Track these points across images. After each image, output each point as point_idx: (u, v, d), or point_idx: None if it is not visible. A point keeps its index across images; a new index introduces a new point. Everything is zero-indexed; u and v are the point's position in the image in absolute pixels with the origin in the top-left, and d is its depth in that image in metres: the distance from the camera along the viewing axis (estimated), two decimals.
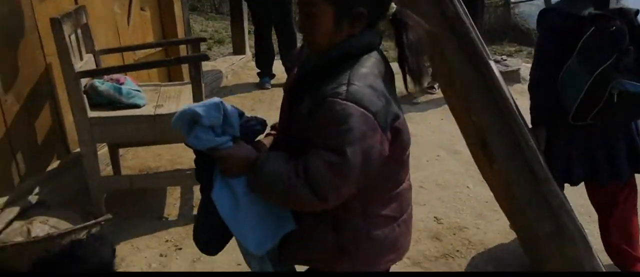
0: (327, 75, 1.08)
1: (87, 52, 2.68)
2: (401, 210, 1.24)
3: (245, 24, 5.61)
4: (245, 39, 5.64)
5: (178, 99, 2.70)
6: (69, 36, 2.34)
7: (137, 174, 3.05)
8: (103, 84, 2.50)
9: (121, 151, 3.17)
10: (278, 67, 4.89)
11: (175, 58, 3.10)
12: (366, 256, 1.20)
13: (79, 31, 2.59)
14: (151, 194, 2.94)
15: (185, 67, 4.05)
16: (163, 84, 2.97)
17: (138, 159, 3.40)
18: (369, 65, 1.09)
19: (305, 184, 1.03)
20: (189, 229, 2.68)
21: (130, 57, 3.47)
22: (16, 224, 2.40)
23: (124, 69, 2.71)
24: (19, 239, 2.29)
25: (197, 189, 2.95)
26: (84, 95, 2.39)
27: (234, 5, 5.46)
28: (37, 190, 2.64)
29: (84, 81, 2.44)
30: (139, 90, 2.58)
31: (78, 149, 2.99)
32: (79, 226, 2.20)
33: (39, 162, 2.73)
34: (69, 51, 2.26)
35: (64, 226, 2.46)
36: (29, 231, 2.32)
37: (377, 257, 1.23)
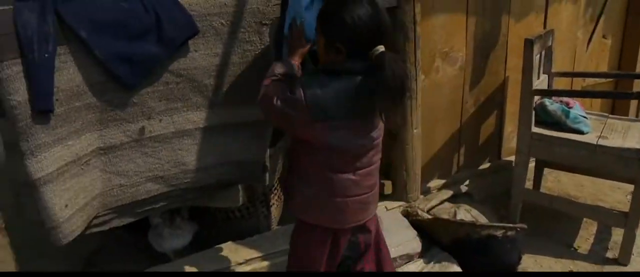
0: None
1: (543, 72, 2.86)
2: (332, 190, 1.57)
3: None
4: None
5: (624, 134, 2.55)
6: (535, 56, 2.55)
7: (557, 195, 3.07)
8: (552, 104, 2.62)
9: (545, 170, 3.24)
10: None
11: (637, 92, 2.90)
12: (299, 204, 1.67)
13: (543, 52, 2.77)
14: (565, 220, 2.91)
15: (634, 103, 3.74)
16: (610, 116, 2.85)
17: (559, 184, 3.40)
18: (337, 80, 1.44)
19: (266, 89, 1.53)
20: (597, 267, 2.55)
21: (578, 83, 3.47)
22: (446, 204, 2.87)
23: (578, 94, 2.76)
24: (446, 217, 2.72)
25: (615, 231, 2.75)
26: (533, 111, 2.57)
27: None
28: (467, 182, 3.05)
29: (535, 99, 2.63)
30: (585, 117, 2.58)
31: (508, 158, 3.26)
32: (498, 224, 2.43)
33: (474, 159, 3.13)
34: (533, 70, 2.47)
35: (482, 219, 2.77)
36: (455, 214, 2.72)
37: (303, 208, 1.66)
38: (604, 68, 3.73)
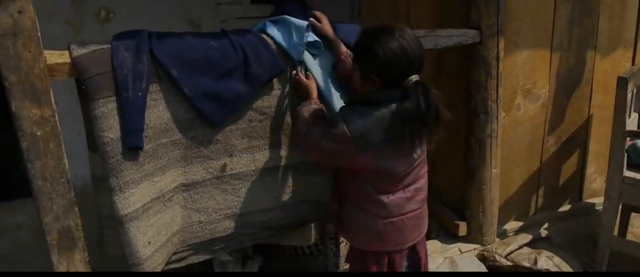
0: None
1: (634, 111, 2.66)
2: (387, 212, 1.60)
3: None
4: None
5: None
6: (629, 95, 2.39)
7: None
8: None
9: (632, 214, 3.01)
10: None
11: None
12: (355, 233, 1.69)
13: (634, 90, 2.59)
14: None
15: None
16: None
17: None
18: (376, 108, 1.48)
19: (306, 134, 1.57)
20: None
21: None
22: (525, 249, 2.69)
23: None
24: (526, 264, 2.56)
25: None
26: (625, 154, 2.39)
27: None
28: (546, 225, 2.86)
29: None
30: None
31: (590, 200, 3.05)
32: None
33: (553, 201, 2.94)
34: (626, 109, 2.30)
35: (565, 268, 2.58)
36: (536, 260, 2.55)
37: (362, 237, 1.68)
38: None
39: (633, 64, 2.84)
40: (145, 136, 1.54)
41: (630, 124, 2.55)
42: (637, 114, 2.70)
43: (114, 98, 1.47)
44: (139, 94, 1.49)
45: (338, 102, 1.78)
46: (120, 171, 1.50)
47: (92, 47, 1.48)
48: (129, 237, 1.55)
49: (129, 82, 1.47)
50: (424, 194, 1.70)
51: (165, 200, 1.65)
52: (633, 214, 3.02)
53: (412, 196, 1.64)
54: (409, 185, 1.63)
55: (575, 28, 2.59)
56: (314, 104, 1.67)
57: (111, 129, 1.48)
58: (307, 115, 1.61)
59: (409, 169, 1.59)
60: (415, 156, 1.59)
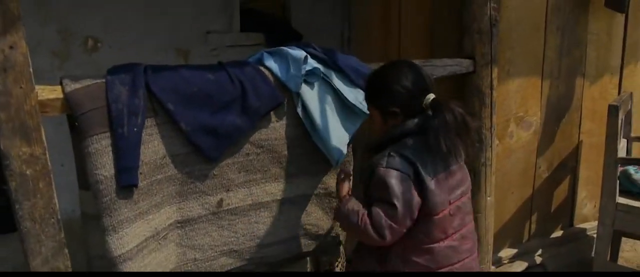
0: (379, 152, 1.52)
1: (622, 137, 2.70)
2: (436, 262, 1.50)
3: None
4: None
5: None
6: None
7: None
8: (637, 173, 2.46)
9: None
10: None
11: None
12: None
13: (623, 117, 2.63)
14: None
15: None
16: None
17: (636, 253, 3.16)
18: (405, 142, 1.48)
19: (370, 225, 1.45)
20: None
21: None
22: None
23: None
24: None
25: None
26: (617, 181, 2.41)
27: None
28: (540, 252, 2.86)
29: None
30: None
31: (581, 225, 3.06)
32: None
33: (546, 227, 2.94)
34: (617, 136, 2.33)
35: None
36: None
37: None
38: None
39: (619, 90, 2.90)
40: (140, 173, 1.48)
41: (620, 151, 2.58)
42: (625, 141, 2.74)
43: (108, 134, 1.41)
44: (135, 129, 1.43)
45: (336, 135, 1.76)
46: (114, 210, 1.44)
47: (86, 82, 1.42)
48: None
49: (124, 118, 1.42)
50: (471, 243, 1.60)
51: (160, 238, 1.59)
52: (623, 239, 3.05)
53: (458, 245, 1.54)
54: (455, 232, 1.53)
55: (565, 57, 2.63)
56: (354, 198, 1.60)
57: (105, 167, 1.41)
58: (354, 207, 1.52)
59: (453, 208, 1.52)
60: (460, 190, 1.55)
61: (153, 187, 1.53)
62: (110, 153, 1.42)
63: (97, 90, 1.41)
